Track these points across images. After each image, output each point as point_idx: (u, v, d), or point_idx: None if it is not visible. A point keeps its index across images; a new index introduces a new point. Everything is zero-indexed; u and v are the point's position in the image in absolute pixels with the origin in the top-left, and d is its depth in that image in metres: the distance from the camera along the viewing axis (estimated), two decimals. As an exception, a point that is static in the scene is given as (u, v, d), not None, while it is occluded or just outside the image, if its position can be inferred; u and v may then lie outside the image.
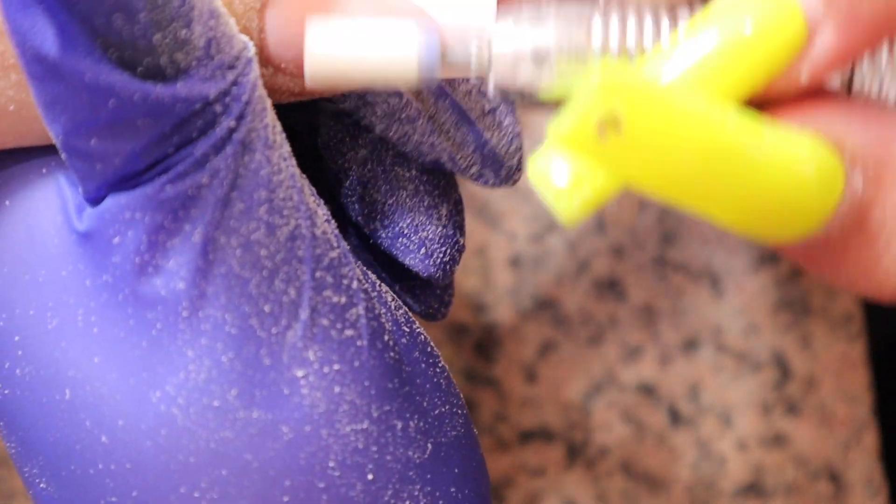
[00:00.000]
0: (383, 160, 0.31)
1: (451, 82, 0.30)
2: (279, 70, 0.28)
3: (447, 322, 0.45)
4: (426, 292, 0.32)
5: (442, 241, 0.31)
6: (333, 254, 0.27)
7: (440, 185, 0.31)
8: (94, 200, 0.27)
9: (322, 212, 0.28)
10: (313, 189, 0.28)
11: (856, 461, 0.47)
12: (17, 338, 0.27)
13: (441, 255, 0.31)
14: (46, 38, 0.24)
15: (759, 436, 0.46)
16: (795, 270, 0.47)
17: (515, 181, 0.31)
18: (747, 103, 0.24)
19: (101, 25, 0.24)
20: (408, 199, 0.31)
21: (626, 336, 0.46)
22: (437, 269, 0.31)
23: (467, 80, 0.30)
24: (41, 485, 0.28)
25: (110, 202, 0.26)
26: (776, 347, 0.47)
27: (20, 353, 0.27)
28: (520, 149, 0.31)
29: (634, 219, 0.47)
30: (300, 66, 0.27)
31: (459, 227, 0.32)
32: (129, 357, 0.26)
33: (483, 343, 0.45)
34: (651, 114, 0.22)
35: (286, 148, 0.27)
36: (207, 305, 0.26)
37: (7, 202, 0.28)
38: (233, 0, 0.27)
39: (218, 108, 0.26)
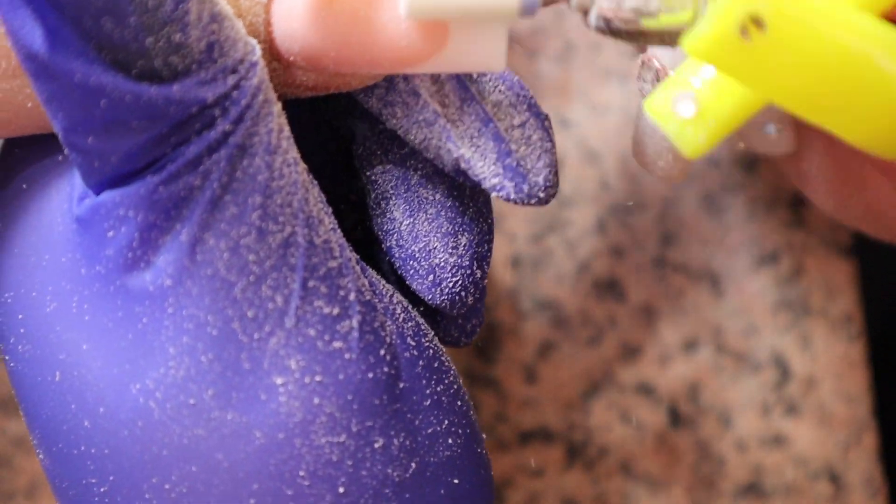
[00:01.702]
0: (409, 179, 0.31)
1: (480, 91, 0.29)
2: (289, 64, 0.28)
3: (447, 322, 0.45)
4: (446, 319, 0.32)
5: (454, 270, 0.30)
6: (333, 263, 0.27)
7: (465, 214, 0.31)
8: (96, 193, 0.27)
9: (329, 220, 0.28)
10: (323, 196, 0.28)
11: (855, 462, 0.47)
12: (20, 316, 0.28)
13: (450, 285, 0.30)
14: (36, 38, 0.24)
15: (759, 436, 0.46)
16: (795, 271, 0.47)
17: (541, 200, 0.29)
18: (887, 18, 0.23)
19: (92, 27, 0.24)
20: (426, 223, 0.31)
21: (625, 336, 0.46)
22: (445, 299, 0.30)
23: (499, 89, 0.29)
24: (40, 455, 0.29)
25: (107, 196, 0.26)
26: (776, 348, 0.47)
27: (22, 330, 0.28)
28: (549, 165, 0.29)
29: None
30: (308, 59, 0.27)
31: (479, 260, 0.30)
32: (115, 347, 0.27)
33: (483, 343, 0.45)
34: (795, 13, 0.21)
35: (292, 153, 0.27)
36: (191, 305, 0.26)
37: (24, 185, 0.28)
38: None
39: (216, 111, 0.26)
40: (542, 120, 0.29)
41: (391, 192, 0.31)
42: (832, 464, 0.46)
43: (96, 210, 0.27)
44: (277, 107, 0.27)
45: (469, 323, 0.32)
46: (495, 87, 0.29)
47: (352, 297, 0.28)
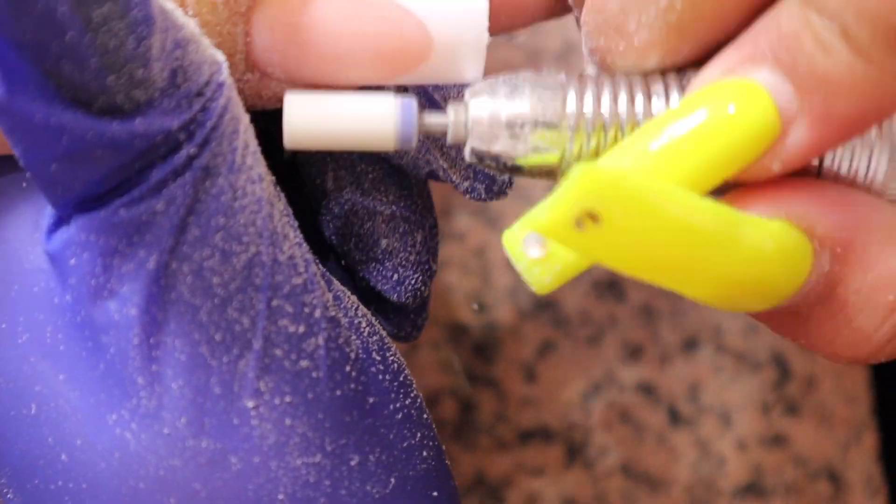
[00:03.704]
0: (362, 183, 0.31)
1: (446, 97, 0.30)
2: (266, 75, 0.27)
3: (447, 322, 0.45)
4: (399, 315, 0.32)
5: (415, 267, 0.31)
6: (297, 280, 0.27)
7: (417, 211, 0.31)
8: (61, 218, 0.26)
9: (294, 234, 0.27)
10: (289, 209, 0.28)
11: (855, 461, 0.47)
12: None
13: (413, 282, 0.31)
14: None
15: (759, 436, 0.46)
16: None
17: (505, 195, 0.31)
18: (719, 189, 0.25)
19: (51, 67, 0.24)
20: (383, 224, 0.31)
21: (625, 336, 0.46)
22: (409, 295, 0.31)
23: (462, 94, 0.30)
24: (9, 495, 0.28)
25: (71, 223, 0.26)
26: (776, 347, 0.47)
27: None
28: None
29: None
30: (286, 71, 0.27)
31: (433, 253, 0.32)
32: (90, 378, 0.26)
33: (483, 343, 0.45)
34: (629, 208, 0.22)
35: (258, 169, 0.27)
36: (158, 332, 0.26)
37: None
38: (217, 4, 0.26)
39: (182, 135, 0.25)
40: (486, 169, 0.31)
41: (346, 196, 0.31)
42: (832, 463, 0.46)
43: (60, 237, 0.26)
44: (245, 122, 0.26)
45: (419, 317, 0.33)
46: (459, 91, 0.30)
47: (317, 313, 0.27)
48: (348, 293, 0.29)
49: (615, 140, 0.26)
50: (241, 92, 0.28)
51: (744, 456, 0.46)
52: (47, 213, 0.27)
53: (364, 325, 0.29)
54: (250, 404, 0.26)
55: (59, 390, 0.27)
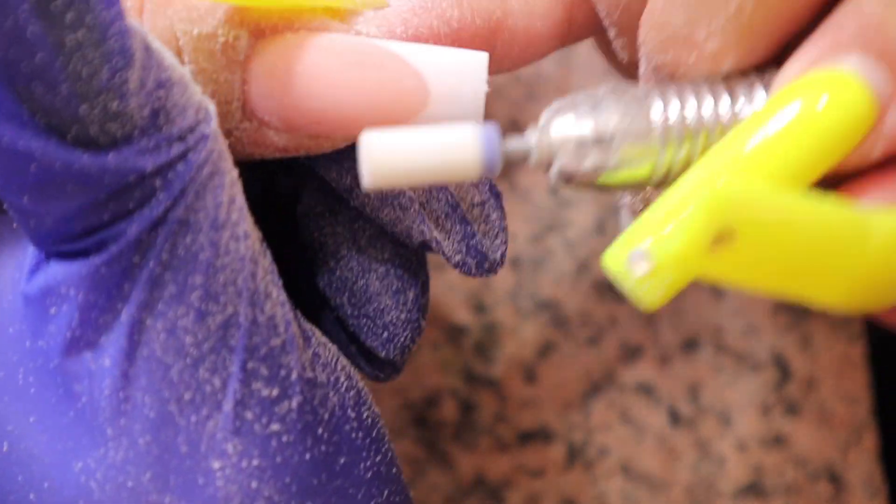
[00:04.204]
0: (358, 240, 0.31)
1: None
2: (263, 123, 0.27)
3: (447, 322, 0.45)
4: (381, 360, 0.32)
5: (405, 325, 0.31)
6: (276, 341, 0.27)
7: (411, 269, 0.31)
8: (41, 261, 0.26)
9: (277, 293, 0.27)
10: (274, 266, 0.27)
11: (856, 462, 0.47)
12: None
13: (402, 340, 0.31)
14: None
15: (759, 436, 0.46)
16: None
17: (495, 272, 0.31)
18: (820, 180, 0.24)
19: (23, 90, 0.23)
20: (377, 282, 0.31)
21: (625, 336, 0.46)
22: (397, 352, 0.31)
23: None
24: None
25: (51, 271, 0.26)
26: (776, 348, 0.47)
27: None
28: (504, 243, 0.31)
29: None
30: (283, 120, 0.27)
31: (423, 310, 0.31)
32: (60, 423, 0.26)
33: (483, 344, 0.45)
34: (763, 222, 0.22)
35: (243, 226, 0.26)
36: (129, 386, 0.26)
37: None
38: (215, 52, 0.26)
39: (157, 181, 0.25)
40: (499, 199, 0.31)
41: (342, 252, 0.31)
42: (832, 464, 0.46)
43: (40, 284, 0.26)
44: (231, 175, 0.26)
45: (400, 361, 0.32)
46: None
47: (293, 376, 0.27)
48: (329, 346, 0.29)
49: (705, 146, 0.25)
50: (237, 141, 0.27)
51: (744, 456, 0.46)
52: (30, 253, 0.26)
53: (343, 379, 0.28)
54: (216, 465, 0.26)
55: (30, 432, 0.26)
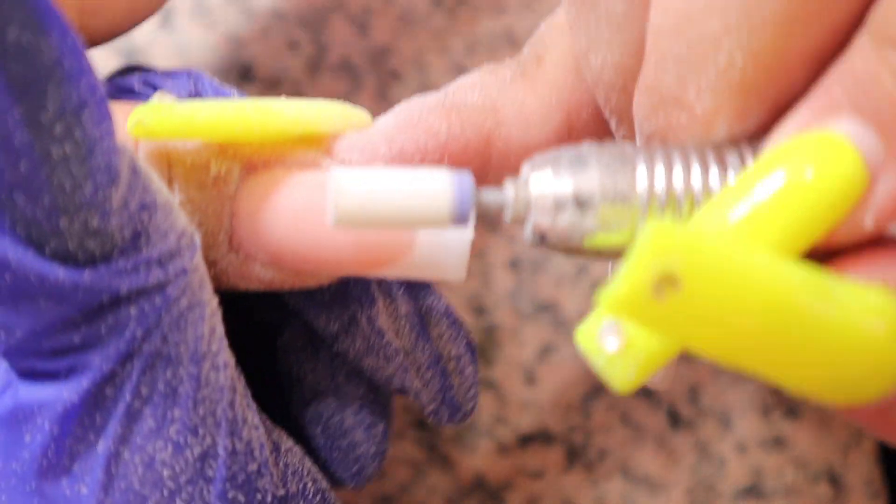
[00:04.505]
0: (336, 377, 0.31)
1: (429, 321, 0.30)
2: (249, 257, 0.27)
3: (447, 324, 0.45)
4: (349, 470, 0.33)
5: (374, 457, 0.31)
6: (252, 466, 0.27)
7: (382, 403, 0.32)
8: (10, 378, 0.26)
9: (252, 416, 0.27)
10: (248, 391, 0.27)
11: (856, 464, 0.47)
12: None
13: (370, 471, 0.31)
14: None
15: (759, 438, 0.46)
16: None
17: (465, 421, 0.32)
18: (808, 255, 0.23)
19: (6, 199, 0.23)
20: (351, 417, 0.31)
21: (625, 338, 0.46)
22: (364, 482, 0.32)
23: (443, 322, 0.30)
24: None
25: (22, 394, 0.25)
26: (776, 350, 0.47)
27: None
28: (476, 395, 0.31)
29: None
30: (270, 255, 0.27)
31: (388, 439, 0.32)
32: None
33: (482, 345, 0.45)
34: (711, 268, 0.20)
35: (223, 356, 0.26)
36: None
37: None
38: (206, 185, 0.26)
39: (132, 310, 0.24)
40: (474, 353, 0.31)
41: (320, 388, 0.31)
42: (832, 466, 0.46)
43: (14, 410, 0.26)
44: (212, 306, 0.26)
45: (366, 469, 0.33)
46: (439, 320, 0.30)
47: (268, 498, 0.27)
48: (295, 450, 0.29)
49: (689, 214, 0.24)
50: (222, 272, 0.27)
51: (744, 458, 0.46)
52: (2, 370, 0.26)
53: (310, 485, 0.29)
54: None
55: None
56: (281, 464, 0.28)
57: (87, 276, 0.24)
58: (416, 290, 0.30)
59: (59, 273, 0.23)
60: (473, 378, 0.31)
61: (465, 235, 0.27)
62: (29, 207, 0.23)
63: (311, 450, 0.32)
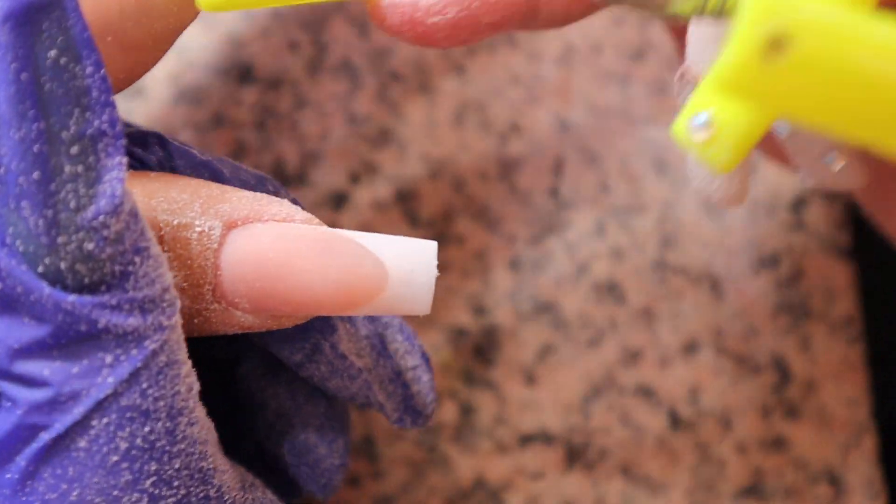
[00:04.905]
0: (297, 398, 0.33)
1: (387, 341, 0.33)
2: (231, 305, 0.29)
3: (446, 324, 0.45)
4: (317, 484, 0.35)
5: (338, 469, 0.33)
6: None
7: (341, 418, 0.34)
8: None
9: (222, 462, 0.28)
10: (216, 436, 0.28)
11: (855, 464, 0.47)
12: None
13: (334, 483, 0.34)
14: None
15: (759, 439, 0.46)
16: (795, 273, 0.47)
17: (425, 426, 0.34)
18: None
19: (12, 210, 0.24)
20: (314, 434, 0.33)
21: (625, 339, 0.46)
22: (329, 493, 0.34)
23: (397, 339, 0.33)
24: None
25: (2, 434, 0.26)
26: (776, 350, 0.47)
27: None
28: (434, 400, 0.33)
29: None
30: (252, 301, 0.28)
31: (349, 451, 0.34)
32: None
33: (482, 346, 0.45)
34: (822, 25, 0.20)
35: (197, 412, 0.27)
36: None
37: None
38: (191, 241, 0.28)
39: (108, 357, 0.25)
40: (429, 362, 0.33)
41: (282, 412, 0.33)
42: (832, 466, 0.46)
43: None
44: (188, 366, 0.27)
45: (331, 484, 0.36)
46: (395, 337, 0.33)
47: None
48: (256, 483, 0.30)
49: None
50: (205, 321, 0.29)
51: (744, 459, 0.46)
52: None
53: None
54: None
55: None
56: (249, 499, 0.29)
57: (70, 300, 0.25)
58: None
59: (45, 290, 0.24)
60: (430, 384, 0.33)
61: (430, 272, 0.29)
62: (33, 218, 0.24)
63: (279, 468, 0.34)
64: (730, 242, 0.47)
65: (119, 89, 0.29)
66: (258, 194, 0.29)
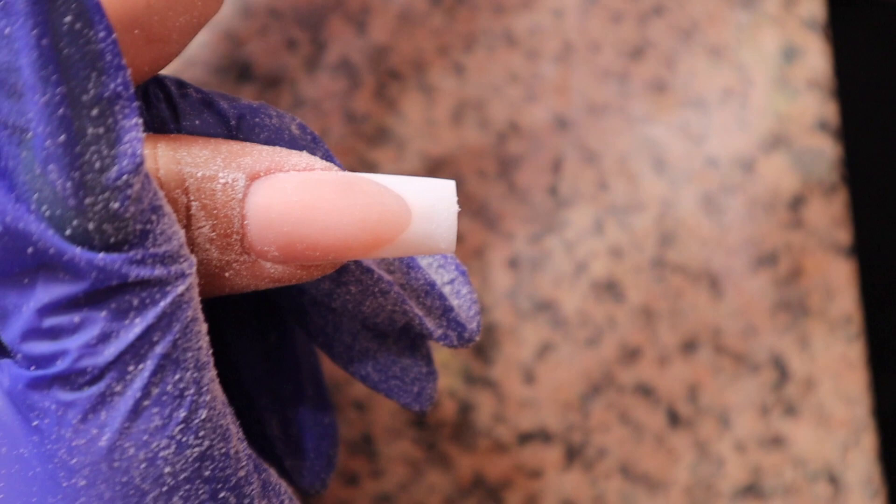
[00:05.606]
0: (283, 392, 0.35)
1: (413, 256, 0.32)
2: (260, 256, 0.29)
3: (445, 323, 0.45)
4: (310, 473, 0.35)
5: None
6: (241, 472, 0.29)
7: (328, 403, 0.35)
8: (10, 344, 0.27)
9: (236, 430, 0.29)
10: (231, 409, 0.29)
11: (854, 463, 0.47)
12: None
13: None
14: None
15: (758, 437, 0.46)
16: (794, 271, 0.47)
17: (474, 342, 0.33)
18: None
19: (38, 176, 0.25)
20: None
21: (624, 337, 0.46)
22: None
23: (427, 256, 0.33)
24: None
25: (33, 388, 0.26)
26: (775, 349, 0.47)
27: None
28: (478, 313, 0.33)
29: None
30: (280, 248, 0.29)
31: (339, 437, 0.35)
32: None
33: (481, 344, 0.45)
34: None
35: (214, 371, 0.28)
36: None
37: None
38: (216, 192, 0.28)
39: (135, 301, 0.26)
40: (466, 275, 0.33)
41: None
42: (831, 465, 0.46)
43: (23, 398, 0.27)
44: (205, 327, 0.28)
45: (327, 475, 0.36)
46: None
47: (255, 503, 0.29)
48: (268, 469, 0.31)
49: None
50: (236, 274, 0.30)
51: (743, 457, 0.46)
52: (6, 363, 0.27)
53: (286, 501, 0.31)
54: None
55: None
56: (261, 479, 0.30)
57: (101, 257, 0.25)
58: None
59: (77, 250, 0.25)
60: (471, 297, 0.33)
61: (451, 207, 0.30)
62: (60, 181, 0.25)
63: (276, 455, 0.35)
64: (729, 240, 0.47)
65: (141, 81, 0.29)
66: (277, 147, 0.30)
